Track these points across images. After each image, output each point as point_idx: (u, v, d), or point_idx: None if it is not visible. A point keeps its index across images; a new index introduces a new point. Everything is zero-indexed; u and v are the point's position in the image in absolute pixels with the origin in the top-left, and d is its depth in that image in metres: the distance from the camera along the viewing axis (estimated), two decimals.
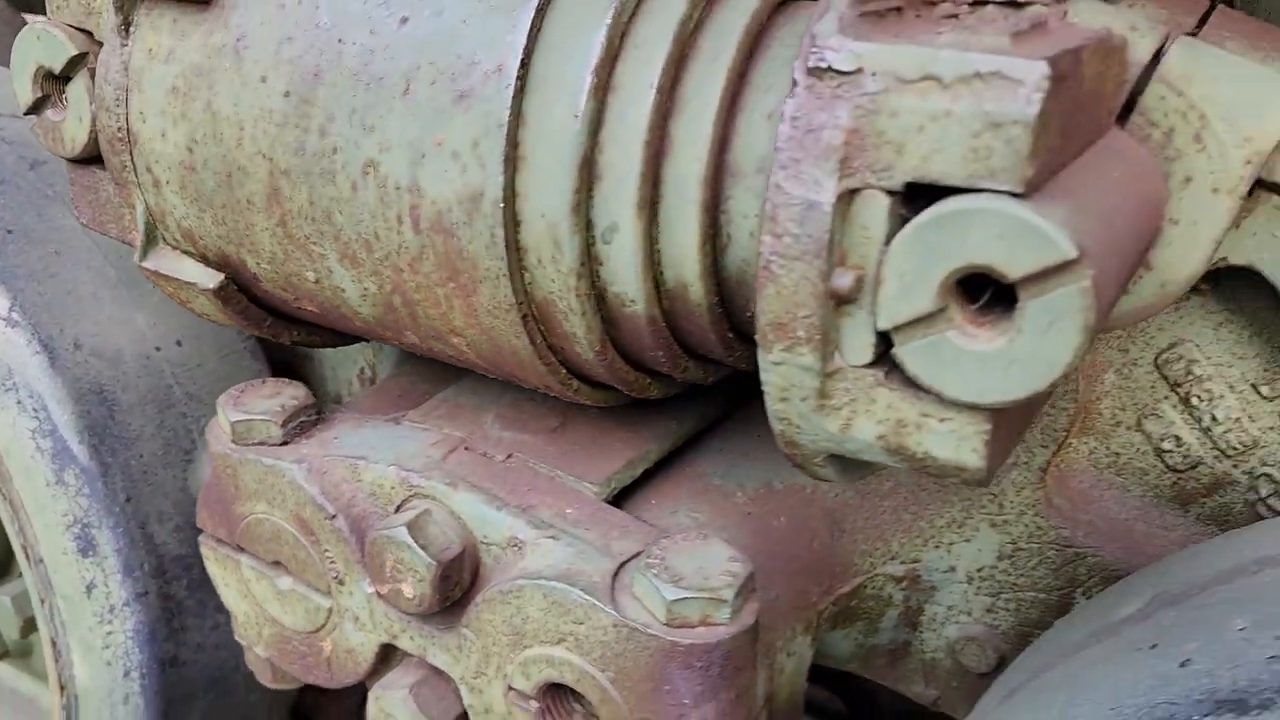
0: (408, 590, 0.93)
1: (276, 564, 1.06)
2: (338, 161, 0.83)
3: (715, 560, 0.85)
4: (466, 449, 1.01)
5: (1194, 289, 0.93)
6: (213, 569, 1.12)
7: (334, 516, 0.99)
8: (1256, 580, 0.76)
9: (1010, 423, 0.70)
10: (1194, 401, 0.97)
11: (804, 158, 0.65)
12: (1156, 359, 0.98)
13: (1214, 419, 0.97)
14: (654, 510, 0.99)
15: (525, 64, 0.76)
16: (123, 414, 1.24)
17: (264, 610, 1.09)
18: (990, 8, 0.73)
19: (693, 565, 0.85)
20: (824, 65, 0.64)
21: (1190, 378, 0.97)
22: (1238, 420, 0.96)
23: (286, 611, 1.07)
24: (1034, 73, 0.59)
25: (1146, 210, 0.76)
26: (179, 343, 1.31)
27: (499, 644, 0.92)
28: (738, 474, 1.05)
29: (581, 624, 0.86)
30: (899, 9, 0.70)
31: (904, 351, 0.65)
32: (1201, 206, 0.78)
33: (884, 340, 0.67)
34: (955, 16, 0.73)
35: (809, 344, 0.67)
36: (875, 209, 0.65)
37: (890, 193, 0.64)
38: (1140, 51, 0.79)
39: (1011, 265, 0.60)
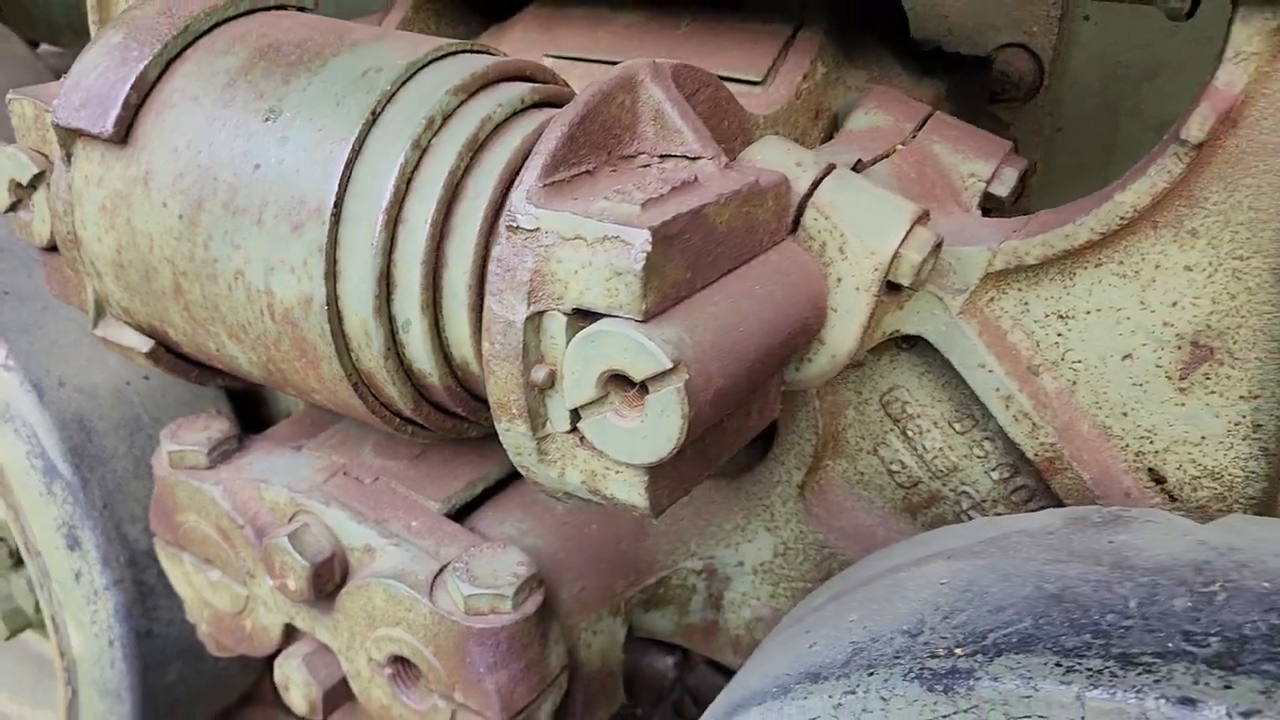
0: (291, 584, 1.22)
1: (208, 560, 1.35)
2: (218, 268, 1.11)
3: (506, 565, 1.13)
4: (345, 473, 1.29)
5: (899, 348, 1.18)
6: (164, 563, 1.42)
7: (243, 526, 1.28)
8: (879, 583, 1.02)
9: (675, 472, 0.96)
10: (909, 434, 1.22)
11: (505, 289, 0.91)
12: (881, 399, 1.22)
13: (924, 448, 1.22)
14: (487, 522, 1.27)
15: (338, 204, 1.03)
16: (99, 437, 1.54)
17: (202, 596, 1.39)
18: (669, 162, 0.99)
19: (489, 568, 1.12)
20: (515, 225, 0.90)
21: (905, 415, 1.21)
22: (941, 449, 1.21)
23: (217, 597, 1.37)
24: (639, 238, 0.85)
25: (801, 305, 1.01)
26: (146, 377, 1.61)
27: (359, 625, 1.21)
28: None
29: (410, 612, 1.14)
30: (590, 171, 0.96)
31: (583, 425, 0.92)
32: (849, 300, 1.03)
33: (577, 414, 0.93)
34: (648, 166, 0.99)
35: (521, 418, 0.94)
36: (557, 324, 0.91)
37: (565, 313, 0.90)
38: (802, 184, 1.03)
39: (635, 370, 0.86)
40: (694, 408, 0.86)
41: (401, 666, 1.20)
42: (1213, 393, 1.04)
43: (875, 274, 1.01)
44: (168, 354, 1.30)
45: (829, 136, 1.32)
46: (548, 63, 1.44)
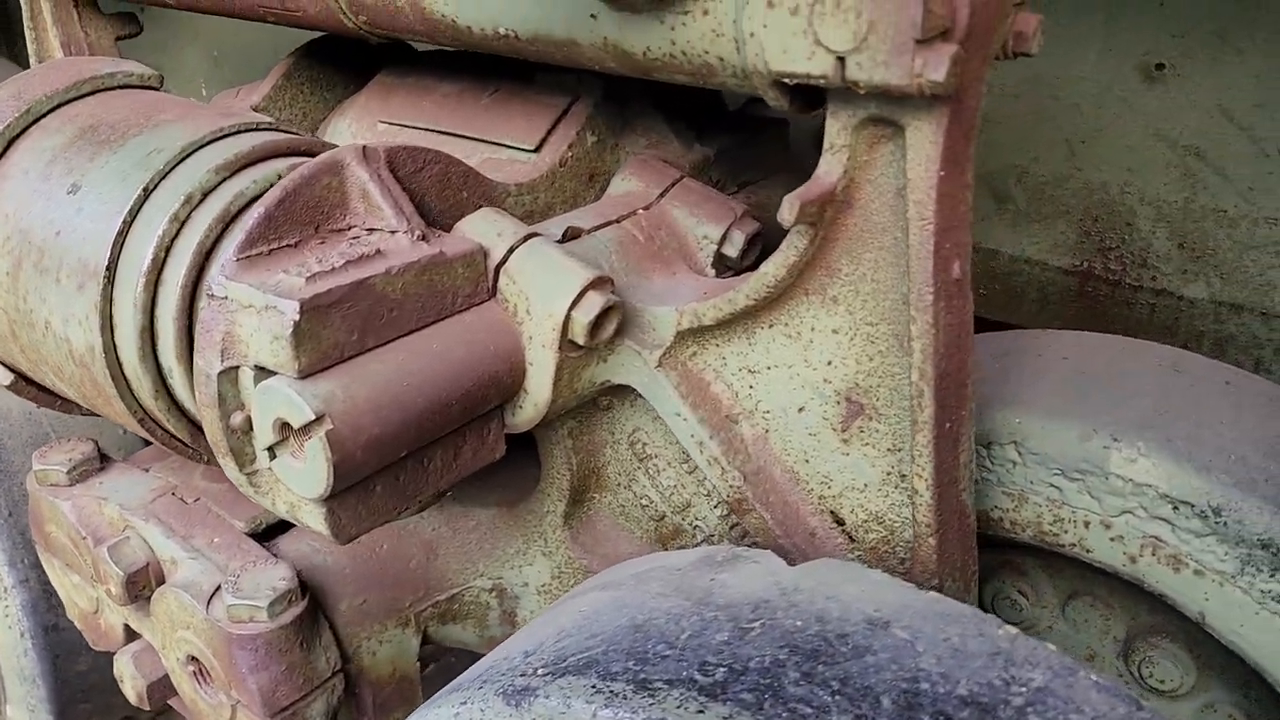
0: (112, 589, 1.40)
1: (68, 565, 1.55)
2: (34, 318, 1.30)
3: (269, 579, 1.29)
4: (172, 494, 1.47)
5: (639, 394, 1.30)
6: (45, 566, 1.62)
7: (85, 538, 1.47)
8: (559, 606, 1.15)
9: (361, 505, 1.10)
10: (651, 472, 1.34)
11: (205, 347, 1.07)
12: (629, 439, 1.35)
13: (663, 485, 1.34)
14: (289, 541, 1.43)
15: (110, 267, 1.20)
16: (8, 454, 1.76)
17: (70, 596, 1.59)
18: (375, 235, 1.14)
19: (254, 582, 1.29)
20: (211, 293, 1.06)
21: (647, 455, 1.33)
22: (675, 487, 1.32)
23: (79, 598, 1.56)
24: (290, 308, 1.00)
25: (489, 360, 1.14)
26: None
27: (166, 627, 1.38)
28: None
29: (193, 617, 1.31)
30: (295, 244, 1.12)
31: (274, 465, 1.07)
32: (539, 355, 1.16)
33: (273, 453, 1.09)
34: (357, 239, 1.14)
35: (228, 457, 1.10)
36: (246, 378, 1.06)
37: (251, 369, 1.06)
38: (498, 252, 1.16)
39: (292, 419, 1.01)
40: (339, 454, 1.01)
41: (198, 665, 1.37)
42: (867, 444, 1.14)
43: (554, 333, 1.14)
44: (28, 385, 1.49)
45: None
46: (380, 128, 1.61)
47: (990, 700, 0.83)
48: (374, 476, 1.11)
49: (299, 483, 1.05)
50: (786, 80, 1.00)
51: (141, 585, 1.40)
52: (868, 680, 0.85)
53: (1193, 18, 1.55)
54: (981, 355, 1.39)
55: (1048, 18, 1.02)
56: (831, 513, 1.20)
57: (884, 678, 0.85)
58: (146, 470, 1.55)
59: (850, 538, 1.19)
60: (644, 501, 1.38)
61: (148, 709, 1.48)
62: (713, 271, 1.33)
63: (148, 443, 1.78)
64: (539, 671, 0.96)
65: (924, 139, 0.95)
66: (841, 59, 0.93)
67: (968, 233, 1.02)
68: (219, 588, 1.32)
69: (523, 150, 1.41)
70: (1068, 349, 1.35)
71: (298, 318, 1.00)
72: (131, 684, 1.47)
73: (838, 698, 0.83)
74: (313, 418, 0.99)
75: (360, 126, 1.62)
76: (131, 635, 1.52)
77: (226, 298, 1.05)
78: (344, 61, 1.79)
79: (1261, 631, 1.13)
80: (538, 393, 1.18)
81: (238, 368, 1.07)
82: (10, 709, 1.96)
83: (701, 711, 0.83)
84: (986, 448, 1.26)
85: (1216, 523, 1.12)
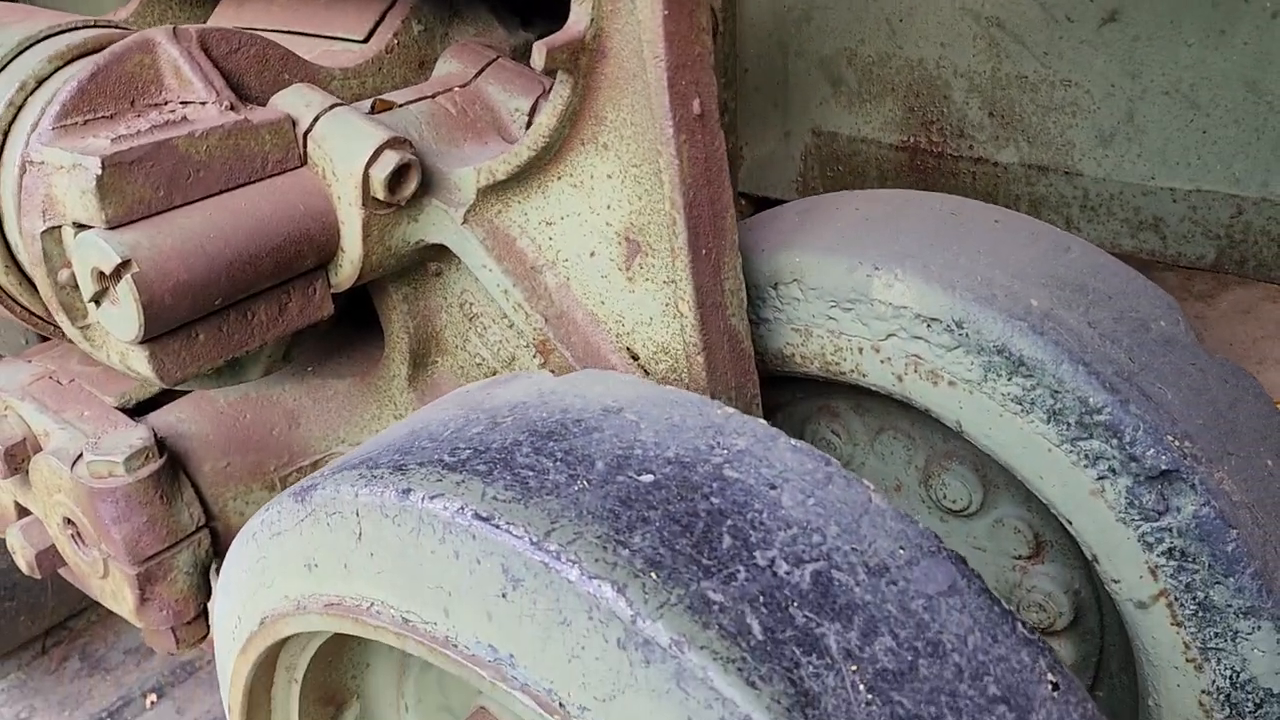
0: None
1: None
2: None
3: (127, 439, 1.41)
4: (50, 378, 1.59)
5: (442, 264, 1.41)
6: None
7: None
8: (408, 420, 1.26)
9: (186, 349, 1.21)
10: (479, 330, 1.45)
11: (30, 210, 1.18)
12: (459, 302, 1.46)
13: (490, 341, 1.45)
14: (158, 414, 1.54)
15: None
16: None
17: None
18: (188, 108, 1.24)
19: (113, 443, 1.40)
20: (29, 159, 1.17)
21: (474, 315, 1.45)
22: (501, 341, 1.44)
23: None
24: (93, 164, 1.10)
25: (297, 219, 1.25)
26: None
27: (43, 494, 1.50)
28: (228, 389, 1.59)
29: (62, 479, 1.43)
30: (110, 116, 1.22)
31: (98, 313, 1.18)
32: (348, 214, 1.27)
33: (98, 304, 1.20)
34: (172, 111, 1.24)
35: (60, 312, 1.21)
36: (68, 235, 1.17)
37: (71, 226, 1.16)
38: (305, 121, 1.27)
39: (104, 265, 1.12)
40: (147, 295, 1.12)
41: (73, 527, 1.49)
42: (647, 280, 1.25)
43: (356, 190, 1.24)
44: None
45: None
46: None
47: (693, 459, 0.95)
48: (196, 325, 1.22)
49: (117, 327, 1.16)
50: None
51: (20, 458, 1.52)
52: (589, 450, 0.97)
53: None
54: (788, 212, 1.50)
55: None
56: (628, 349, 1.31)
57: (603, 448, 0.97)
58: (29, 361, 1.66)
59: (645, 370, 1.31)
60: (477, 360, 1.49)
61: (38, 577, 1.60)
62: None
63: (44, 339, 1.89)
64: (325, 474, 1.07)
65: None
66: None
67: (707, 71, 1.13)
68: (82, 453, 1.43)
69: (353, 41, 1.52)
70: (860, 201, 1.46)
71: (100, 171, 1.10)
72: (22, 554, 1.59)
73: (558, 463, 0.95)
74: (119, 261, 1.10)
75: None
76: (23, 512, 1.64)
77: (43, 162, 1.16)
78: None
79: (1006, 432, 1.24)
80: (352, 249, 1.29)
81: (60, 227, 1.18)
82: None
83: (440, 480, 0.95)
84: (774, 288, 1.37)
85: (960, 334, 1.24)
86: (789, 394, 1.58)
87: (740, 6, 1.85)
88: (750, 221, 1.53)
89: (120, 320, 1.15)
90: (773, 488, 0.92)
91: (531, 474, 0.93)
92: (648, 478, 0.92)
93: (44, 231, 1.18)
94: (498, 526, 0.88)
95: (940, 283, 1.26)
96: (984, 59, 1.66)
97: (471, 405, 1.11)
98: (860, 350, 1.32)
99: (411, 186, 1.27)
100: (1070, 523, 1.24)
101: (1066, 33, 1.58)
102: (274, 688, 1.23)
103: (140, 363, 1.20)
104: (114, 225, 1.13)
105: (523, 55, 1.56)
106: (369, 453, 1.07)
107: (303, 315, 1.33)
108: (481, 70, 1.45)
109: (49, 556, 1.59)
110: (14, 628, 2.26)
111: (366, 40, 1.51)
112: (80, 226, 1.15)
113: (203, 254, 1.17)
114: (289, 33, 1.60)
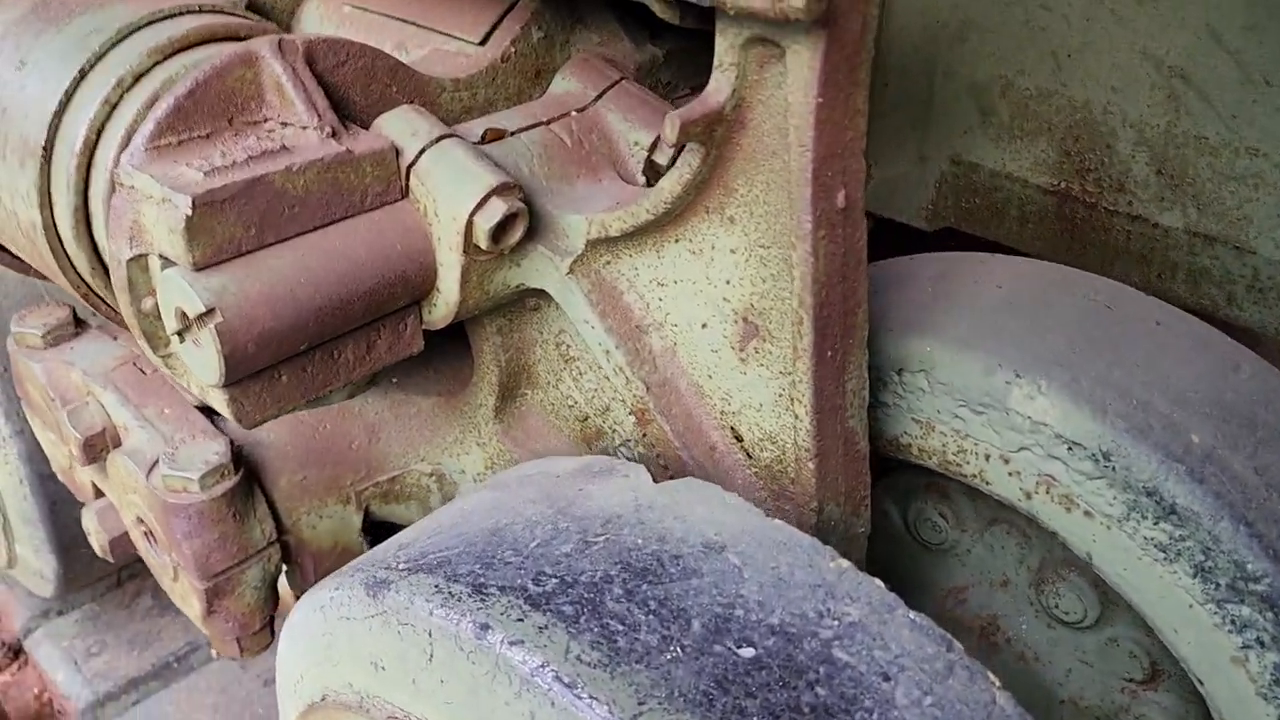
0: (73, 450, 1.49)
1: (44, 423, 1.64)
2: None
3: (204, 453, 1.36)
4: (133, 364, 1.54)
5: (533, 300, 1.31)
6: (30, 421, 1.72)
7: (54, 399, 1.55)
8: (457, 501, 1.19)
9: (266, 392, 1.15)
10: (575, 374, 1.36)
11: (117, 233, 1.11)
12: (555, 340, 1.37)
13: (584, 387, 1.36)
14: None
15: (48, 147, 1.24)
16: (4, 314, 1.85)
17: (50, 451, 1.69)
18: (288, 130, 1.15)
19: (190, 455, 1.36)
20: (120, 181, 1.09)
21: (570, 357, 1.35)
22: (596, 390, 1.35)
23: (56, 454, 1.66)
24: (183, 202, 1.02)
25: (395, 259, 1.16)
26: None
27: (119, 489, 1.47)
28: None
29: (137, 484, 1.39)
30: (208, 135, 1.14)
31: (179, 348, 1.12)
32: (447, 257, 1.18)
33: (181, 338, 1.13)
34: (272, 131, 1.16)
35: (142, 339, 1.15)
36: (155, 265, 1.10)
37: (159, 257, 1.09)
38: (410, 152, 1.17)
39: (188, 309, 1.05)
40: (230, 345, 1.05)
41: (145, 526, 1.46)
42: (762, 365, 1.14)
43: (458, 236, 1.15)
44: (2, 251, 1.56)
45: None
46: (346, 11, 1.60)
47: (799, 630, 0.86)
48: (279, 366, 1.15)
49: (198, 369, 1.09)
50: None
51: (99, 448, 1.48)
52: (686, 602, 0.88)
53: None
54: (920, 276, 1.37)
55: None
56: (732, 429, 1.21)
57: (701, 601, 0.88)
58: (115, 339, 1.62)
59: (748, 454, 1.21)
60: (569, 402, 1.40)
61: (112, 561, 1.59)
62: (643, 180, 1.32)
63: None
64: (400, 566, 1.00)
65: (802, 63, 0.93)
66: None
67: (858, 159, 1.00)
68: (159, 458, 1.39)
69: (469, 43, 1.40)
70: (1003, 276, 1.32)
71: (190, 212, 1.02)
72: (96, 538, 1.57)
73: (651, 617, 0.86)
74: (204, 310, 1.03)
75: (328, 9, 1.61)
76: (100, 492, 1.62)
77: (133, 187, 1.08)
78: None
79: (1142, 577, 1.12)
80: (448, 293, 1.21)
81: (146, 255, 1.11)
82: (19, 547, 2.11)
83: (521, 620, 0.87)
84: (899, 373, 1.25)
85: (1106, 467, 1.11)
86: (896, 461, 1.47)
87: (887, 14, 1.68)
88: (875, 276, 1.40)
89: (201, 364, 1.08)
90: (886, 678, 0.83)
91: (621, 629, 0.85)
92: (748, 651, 0.83)
93: (130, 259, 1.11)
94: (580, 697, 0.80)
95: (1090, 404, 1.13)
96: (1160, 111, 1.48)
97: (561, 506, 1.03)
98: (987, 458, 1.20)
99: (517, 235, 1.17)
100: (1202, 684, 1.13)
101: (1261, 97, 1.40)
102: None
103: (220, 403, 1.13)
104: (201, 266, 1.05)
105: (649, 74, 1.43)
106: (448, 548, 1.00)
107: (391, 353, 1.25)
108: (603, 93, 1.33)
109: (122, 544, 1.57)
110: (92, 562, 2.28)
111: (483, 43, 1.40)
112: (167, 260, 1.08)
113: (292, 300, 1.09)
114: (406, 21, 1.49)
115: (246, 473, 1.40)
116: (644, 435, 1.27)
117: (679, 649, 0.83)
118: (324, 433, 1.51)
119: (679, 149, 1.31)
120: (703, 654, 0.83)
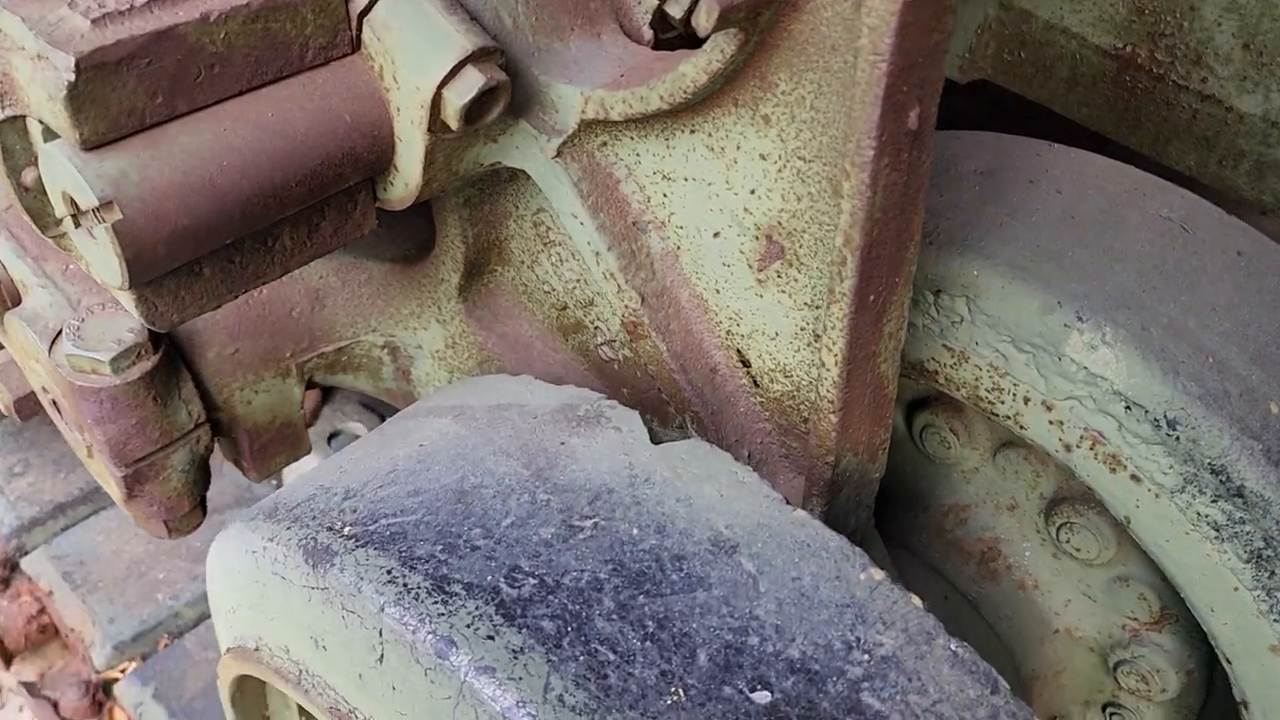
0: None
1: None
2: None
3: (116, 329, 1.16)
4: None
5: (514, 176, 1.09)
6: None
7: None
8: (400, 424, 1.02)
9: (185, 291, 0.95)
10: (555, 259, 1.17)
11: None
12: (533, 218, 1.16)
13: (564, 276, 1.17)
14: None
15: None
16: None
17: None
18: None
19: (98, 331, 1.16)
20: None
21: (550, 240, 1.15)
22: (579, 281, 1.16)
23: None
24: (64, 63, 0.79)
25: (342, 132, 0.94)
26: None
27: (19, 352, 1.27)
28: None
29: (38, 354, 1.20)
30: None
31: (73, 234, 0.90)
32: (407, 133, 0.95)
33: (76, 220, 0.91)
34: None
35: (30, 217, 0.93)
36: (34, 129, 0.87)
37: (39, 121, 0.86)
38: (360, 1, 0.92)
39: (80, 199, 0.83)
40: (132, 248, 0.84)
41: (53, 397, 1.28)
42: (784, 292, 0.96)
43: (422, 110, 0.92)
44: None
45: None
46: None
47: (824, 668, 0.72)
48: (200, 260, 0.95)
49: (95, 266, 0.89)
50: None
51: None
52: (690, 624, 0.73)
53: None
54: (964, 170, 1.17)
55: None
56: (738, 350, 1.04)
57: (709, 624, 0.74)
58: None
59: (755, 382, 1.04)
60: (546, 288, 1.21)
61: (20, 420, 1.41)
62: (650, 35, 1.08)
63: None
64: (347, 528, 0.84)
65: None
66: None
67: (938, 68, 0.78)
68: (65, 327, 1.19)
69: None
70: (1064, 178, 1.13)
71: (73, 76, 0.79)
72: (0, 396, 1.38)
73: (649, 644, 0.72)
74: (97, 203, 0.81)
75: None
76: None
77: (2, 31, 0.84)
78: None
79: (1186, 552, 1.00)
80: (408, 173, 0.99)
81: (24, 116, 0.87)
82: None
83: (492, 637, 0.72)
84: (935, 295, 1.07)
85: (1169, 435, 0.97)
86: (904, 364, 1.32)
87: None
88: None
89: (99, 261, 0.87)
90: None
91: (613, 658, 0.71)
92: (763, 696, 0.70)
93: (3, 120, 0.87)
94: None
95: (1160, 361, 0.97)
96: None
97: (540, 467, 0.86)
98: (1026, 400, 1.05)
99: (495, 113, 0.94)
100: (1231, 664, 1.03)
101: None
102: (268, 693, 1.07)
103: (126, 304, 0.93)
104: (93, 145, 0.82)
105: None
106: (405, 511, 0.84)
107: (338, 237, 1.05)
108: None
109: (29, 404, 1.39)
110: None
111: None
112: (50, 131, 0.85)
113: (210, 189, 0.87)
114: None
115: (168, 350, 1.21)
116: (634, 349, 1.09)
117: (681, 690, 0.70)
118: (260, 299, 1.31)
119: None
120: (709, 698, 0.69)
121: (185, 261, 0.90)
